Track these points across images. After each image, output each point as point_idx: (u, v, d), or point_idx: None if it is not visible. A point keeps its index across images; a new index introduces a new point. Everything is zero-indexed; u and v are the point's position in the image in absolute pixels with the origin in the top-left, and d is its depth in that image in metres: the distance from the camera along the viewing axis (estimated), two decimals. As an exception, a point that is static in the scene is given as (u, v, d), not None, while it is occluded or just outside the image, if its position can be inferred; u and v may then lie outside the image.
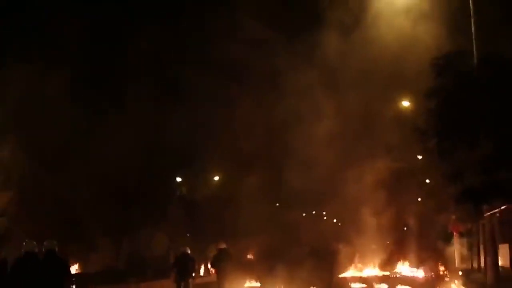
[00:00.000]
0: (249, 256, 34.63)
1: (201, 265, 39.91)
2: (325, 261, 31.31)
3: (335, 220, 51.37)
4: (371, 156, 28.02)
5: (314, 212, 50.82)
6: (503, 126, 13.86)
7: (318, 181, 33.90)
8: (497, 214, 20.85)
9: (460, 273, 29.35)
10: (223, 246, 27.36)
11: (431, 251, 31.26)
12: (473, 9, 15.92)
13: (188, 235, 39.11)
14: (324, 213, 53.01)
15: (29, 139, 29.38)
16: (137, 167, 34.39)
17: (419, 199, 33.42)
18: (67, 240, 29.73)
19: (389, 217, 36.84)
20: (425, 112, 13.95)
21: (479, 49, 15.47)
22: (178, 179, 43.56)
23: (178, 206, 40.28)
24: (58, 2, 31.80)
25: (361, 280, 31.60)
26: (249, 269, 29.14)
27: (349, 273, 35.53)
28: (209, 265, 42.58)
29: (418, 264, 32.18)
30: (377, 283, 29.88)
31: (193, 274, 25.14)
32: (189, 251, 24.89)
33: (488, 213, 18.79)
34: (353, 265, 37.98)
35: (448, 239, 35.22)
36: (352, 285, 29.72)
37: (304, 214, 46.77)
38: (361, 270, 40.67)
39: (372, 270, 41.45)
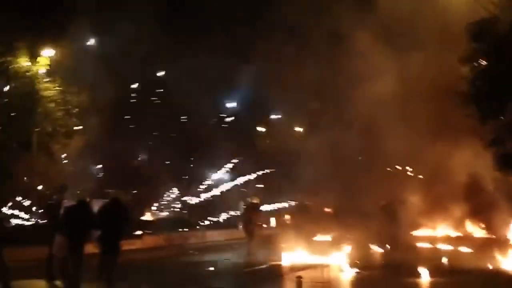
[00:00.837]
0: (327, 210, 34.88)
1: (271, 217, 40.52)
2: (398, 217, 31.15)
3: (420, 176, 50.45)
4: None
5: (399, 167, 50.01)
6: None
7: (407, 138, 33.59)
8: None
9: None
10: (301, 199, 28.00)
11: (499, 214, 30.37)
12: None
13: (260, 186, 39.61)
14: (409, 168, 52.12)
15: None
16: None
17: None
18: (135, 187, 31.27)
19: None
20: (467, 76, 13.48)
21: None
22: (260, 129, 43.68)
23: (252, 156, 40.78)
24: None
25: (428, 239, 31.23)
26: (323, 223, 29.38)
27: (421, 231, 35.20)
28: (285, 216, 43.40)
29: (488, 226, 31.49)
30: (442, 243, 29.43)
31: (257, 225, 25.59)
32: (256, 201, 25.40)
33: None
34: (426, 223, 37.58)
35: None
36: (419, 244, 29.43)
37: (388, 169, 46.15)
38: (433, 229, 40.18)
39: (443, 230, 40.89)
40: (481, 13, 15.09)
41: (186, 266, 20.19)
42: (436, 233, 38.63)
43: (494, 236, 34.44)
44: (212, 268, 18.35)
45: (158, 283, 15.34)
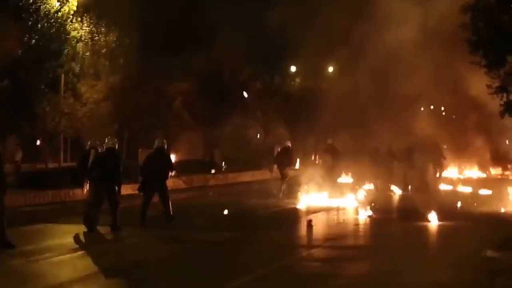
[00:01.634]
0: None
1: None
2: (422, 159, 31.22)
3: (454, 117, 50.26)
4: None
5: (432, 107, 49.72)
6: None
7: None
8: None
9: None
10: (330, 141, 28.29)
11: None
12: None
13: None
14: (442, 108, 51.87)
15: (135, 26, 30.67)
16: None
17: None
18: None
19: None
20: (470, 25, 13.41)
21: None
22: (293, 69, 43.72)
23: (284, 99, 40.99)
24: None
25: (451, 181, 31.38)
26: (348, 165, 29.60)
27: (447, 173, 35.34)
28: (317, 157, 43.82)
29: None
30: (463, 185, 29.59)
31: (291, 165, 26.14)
32: (289, 144, 25.89)
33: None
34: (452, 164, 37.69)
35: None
36: (442, 186, 29.59)
37: (422, 109, 45.92)
38: (461, 169, 40.29)
39: (468, 171, 40.97)
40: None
41: (200, 209, 20.50)
42: (462, 174, 38.84)
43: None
44: (225, 212, 18.73)
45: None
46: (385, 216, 18.48)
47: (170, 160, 16.78)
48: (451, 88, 36.69)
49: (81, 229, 14.67)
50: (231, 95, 36.18)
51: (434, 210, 17.15)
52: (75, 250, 12.50)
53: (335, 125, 36.43)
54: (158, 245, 13.73)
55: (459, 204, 21.45)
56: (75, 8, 26.58)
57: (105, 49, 29.89)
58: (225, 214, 18.46)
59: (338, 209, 20.49)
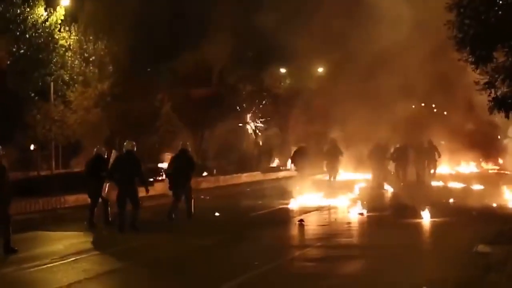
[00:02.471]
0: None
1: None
2: (416, 157, 31.40)
3: (445, 113, 50.47)
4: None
5: (423, 104, 49.92)
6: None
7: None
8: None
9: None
10: (333, 138, 28.58)
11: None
12: None
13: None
14: (433, 105, 52.11)
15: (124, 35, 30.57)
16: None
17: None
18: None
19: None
20: (456, 22, 13.42)
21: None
22: (282, 70, 43.67)
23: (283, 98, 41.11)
24: None
25: (444, 178, 31.46)
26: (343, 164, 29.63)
27: (441, 169, 35.44)
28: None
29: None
30: (456, 182, 29.65)
31: None
32: (304, 145, 27.54)
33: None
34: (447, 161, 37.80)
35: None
36: (435, 183, 29.64)
37: (413, 106, 46.07)
38: (454, 166, 40.38)
39: (462, 168, 41.07)
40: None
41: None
42: (454, 170, 38.95)
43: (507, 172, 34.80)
44: (217, 214, 18.73)
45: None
46: (376, 214, 18.47)
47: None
48: (442, 85, 36.87)
49: (73, 236, 14.64)
50: (221, 97, 36.13)
51: (427, 207, 17.20)
52: (66, 257, 12.44)
53: (328, 125, 36.49)
54: (151, 249, 13.69)
55: (451, 200, 21.50)
56: (62, 18, 26.53)
57: (93, 57, 29.78)
58: (217, 216, 18.54)
59: (329, 208, 20.50)
